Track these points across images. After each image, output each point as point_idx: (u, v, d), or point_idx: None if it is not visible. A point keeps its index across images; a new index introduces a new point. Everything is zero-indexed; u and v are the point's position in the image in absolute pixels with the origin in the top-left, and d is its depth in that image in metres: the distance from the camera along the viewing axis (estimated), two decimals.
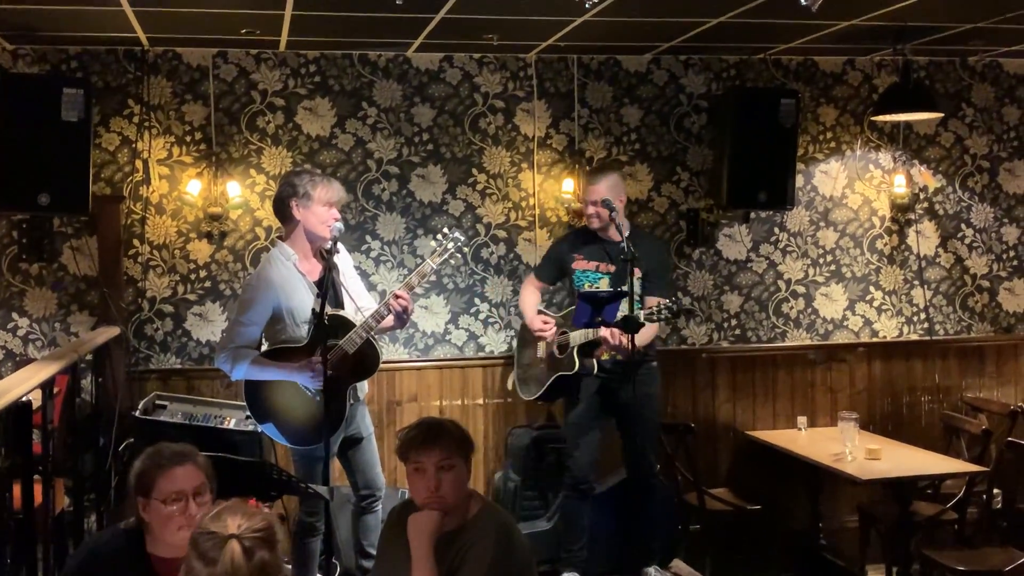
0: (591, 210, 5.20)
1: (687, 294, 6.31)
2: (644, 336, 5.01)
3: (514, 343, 6.09)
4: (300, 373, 4.47)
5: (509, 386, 5.76)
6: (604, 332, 4.92)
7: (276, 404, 4.58)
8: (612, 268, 5.24)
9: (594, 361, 5.16)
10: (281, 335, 4.55)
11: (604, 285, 5.22)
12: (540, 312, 5.39)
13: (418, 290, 5.94)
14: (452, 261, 4.75)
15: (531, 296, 5.49)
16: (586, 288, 5.24)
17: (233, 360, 4.49)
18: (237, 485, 3.79)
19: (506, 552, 3.12)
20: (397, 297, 4.53)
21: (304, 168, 4.87)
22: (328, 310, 4.40)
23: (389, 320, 4.61)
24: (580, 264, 5.32)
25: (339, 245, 4.61)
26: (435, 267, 4.69)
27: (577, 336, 5.12)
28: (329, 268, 4.44)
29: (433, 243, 4.71)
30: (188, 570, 2.36)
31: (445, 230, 4.73)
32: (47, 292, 5.67)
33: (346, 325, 4.52)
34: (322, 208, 4.55)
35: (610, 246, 5.25)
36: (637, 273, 5.15)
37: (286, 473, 3.91)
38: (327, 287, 4.33)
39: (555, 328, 5.26)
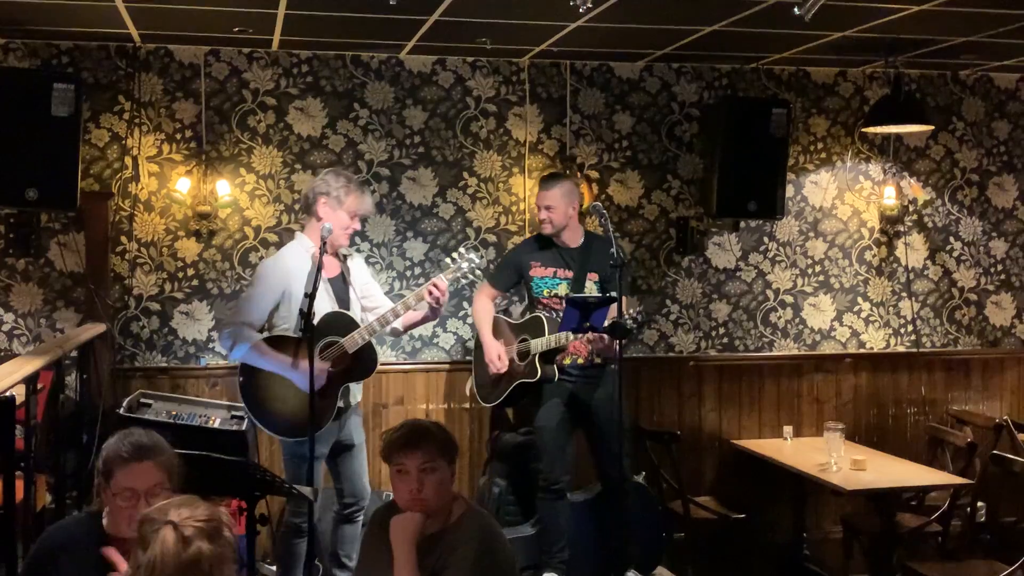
0: (543, 215, 5.21)
1: (675, 302, 6.32)
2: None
3: None
4: (295, 371, 4.47)
5: (467, 392, 5.74)
6: (590, 335, 4.95)
7: (269, 393, 4.61)
8: (570, 273, 5.26)
9: (555, 367, 5.18)
10: (283, 323, 4.59)
11: (563, 290, 5.23)
12: (496, 325, 5.38)
13: (408, 292, 5.95)
14: (463, 280, 4.87)
15: (486, 307, 5.44)
16: (545, 294, 5.27)
17: (235, 338, 4.52)
18: (220, 484, 3.77)
19: (489, 556, 3.11)
20: (440, 286, 4.58)
21: (343, 171, 4.89)
22: (332, 308, 4.54)
23: (417, 314, 4.69)
24: (537, 271, 5.32)
25: (352, 250, 4.81)
26: (446, 283, 4.75)
27: (538, 344, 5.14)
28: (319, 268, 4.43)
29: (448, 261, 4.79)
30: (133, 555, 2.39)
31: (461, 250, 4.82)
32: (33, 287, 5.64)
33: (350, 324, 4.56)
34: (347, 216, 4.64)
35: (566, 252, 5.29)
36: (594, 278, 5.20)
37: (270, 473, 3.89)
38: (316, 287, 4.33)
39: (507, 364, 5.25)
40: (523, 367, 5.23)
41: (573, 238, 5.29)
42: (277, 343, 4.56)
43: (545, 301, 5.26)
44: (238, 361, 4.61)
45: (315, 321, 4.47)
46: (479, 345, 5.51)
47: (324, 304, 4.57)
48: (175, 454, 3.09)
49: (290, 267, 4.61)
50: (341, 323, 4.58)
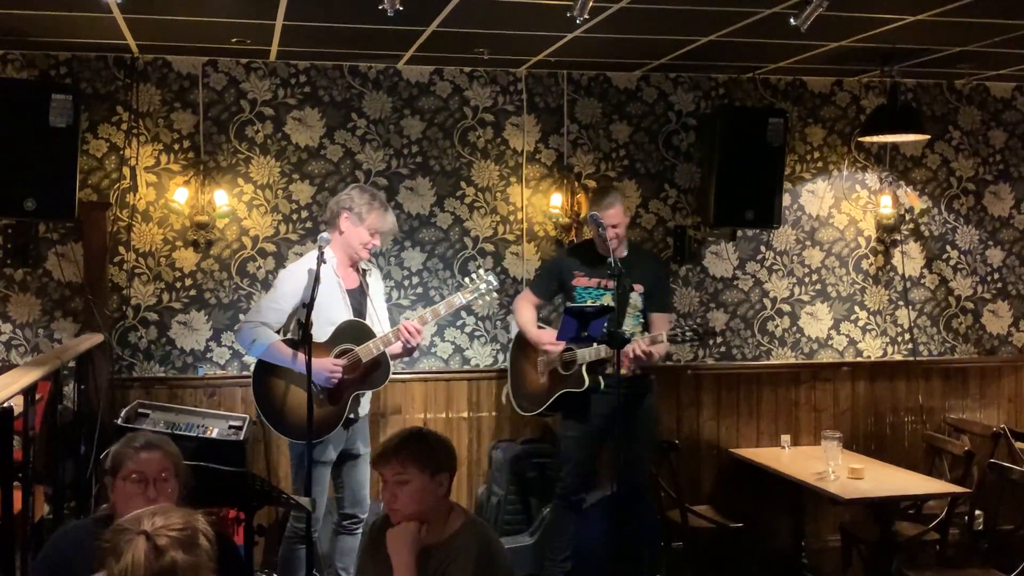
0: (612, 233, 5.08)
1: (673, 311, 6.31)
2: (662, 350, 5.15)
3: (499, 357, 6.09)
4: (315, 370, 4.51)
5: (504, 400, 5.72)
6: (635, 347, 4.90)
7: (281, 395, 4.67)
8: (614, 284, 5.22)
9: (599, 377, 5.13)
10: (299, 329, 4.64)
11: (607, 301, 5.17)
12: (542, 328, 5.38)
13: (405, 302, 5.96)
14: (480, 302, 4.99)
15: (529, 312, 5.45)
16: (588, 303, 5.24)
17: (255, 336, 4.63)
18: (218, 495, 3.78)
19: (487, 567, 3.12)
20: (409, 328, 4.69)
21: (370, 188, 4.97)
22: (350, 317, 4.68)
23: (396, 347, 4.76)
24: (581, 281, 5.32)
25: (371, 265, 4.96)
26: (464, 302, 4.89)
27: (585, 353, 5.10)
28: (317, 279, 4.46)
29: (467, 281, 4.90)
30: (103, 565, 2.37)
31: (481, 271, 4.92)
32: (31, 298, 5.64)
33: (366, 333, 4.63)
34: (366, 233, 4.75)
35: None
36: (640, 289, 5.19)
37: (268, 484, 3.90)
38: (315, 295, 4.37)
39: (561, 347, 5.20)
40: (569, 376, 5.20)
41: (619, 249, 5.27)
42: (293, 345, 4.66)
43: None
44: (256, 358, 4.71)
45: (332, 329, 4.65)
46: (517, 355, 5.50)
47: (341, 313, 4.67)
48: (181, 453, 3.26)
49: (310, 274, 4.65)
50: (357, 331, 4.67)
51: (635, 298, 5.25)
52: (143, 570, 2.29)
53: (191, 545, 2.36)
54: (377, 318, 4.85)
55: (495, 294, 5.02)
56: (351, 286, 4.80)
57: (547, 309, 5.86)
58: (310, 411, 4.33)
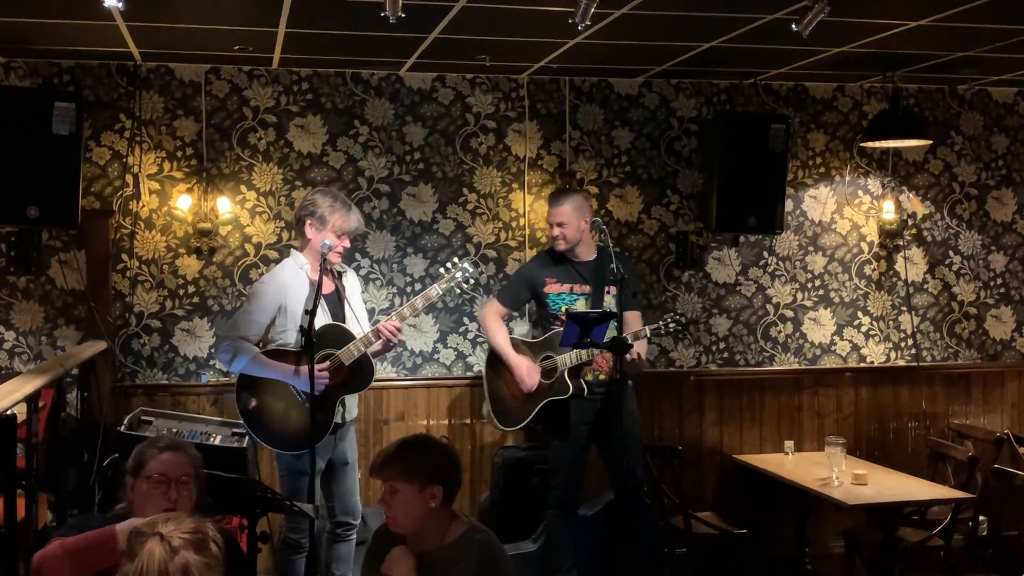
0: (556, 232, 5.19)
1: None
2: (644, 350, 5.07)
3: None
4: (297, 377, 4.50)
5: (484, 415, 5.70)
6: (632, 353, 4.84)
7: (266, 407, 4.62)
8: (587, 288, 5.21)
9: (582, 382, 5.14)
10: (279, 337, 4.63)
11: (581, 306, 5.18)
12: (515, 346, 5.30)
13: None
14: (458, 290, 4.94)
15: (500, 327, 5.35)
16: (563, 310, 5.18)
17: (234, 351, 4.57)
18: (221, 501, 3.78)
19: (489, 574, 3.11)
20: (389, 328, 4.66)
21: (330, 190, 4.92)
22: (328, 321, 4.59)
23: (377, 344, 4.72)
24: (553, 287, 5.27)
25: (346, 267, 4.89)
26: (440, 293, 4.83)
27: (565, 359, 5.09)
28: (320, 285, 4.47)
29: (442, 271, 4.85)
30: (121, 566, 2.48)
31: (455, 259, 4.87)
32: (34, 305, 5.64)
33: (346, 337, 4.60)
34: (333, 236, 4.65)
35: (581, 266, 5.25)
36: (612, 291, 5.15)
37: (271, 490, 3.90)
38: (317, 303, 4.37)
39: (538, 381, 5.17)
40: (551, 384, 5.16)
41: (586, 252, 5.26)
42: (275, 356, 4.62)
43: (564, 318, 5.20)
44: (238, 372, 4.65)
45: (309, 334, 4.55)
46: (492, 368, 5.42)
47: (319, 319, 4.61)
48: (201, 457, 3.33)
49: (284, 283, 4.67)
50: (337, 335, 4.62)
51: (609, 300, 5.18)
52: (157, 569, 2.39)
53: (202, 547, 2.46)
54: (356, 319, 4.78)
55: (472, 281, 5.01)
56: (327, 291, 4.70)
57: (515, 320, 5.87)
58: (312, 416, 4.32)
